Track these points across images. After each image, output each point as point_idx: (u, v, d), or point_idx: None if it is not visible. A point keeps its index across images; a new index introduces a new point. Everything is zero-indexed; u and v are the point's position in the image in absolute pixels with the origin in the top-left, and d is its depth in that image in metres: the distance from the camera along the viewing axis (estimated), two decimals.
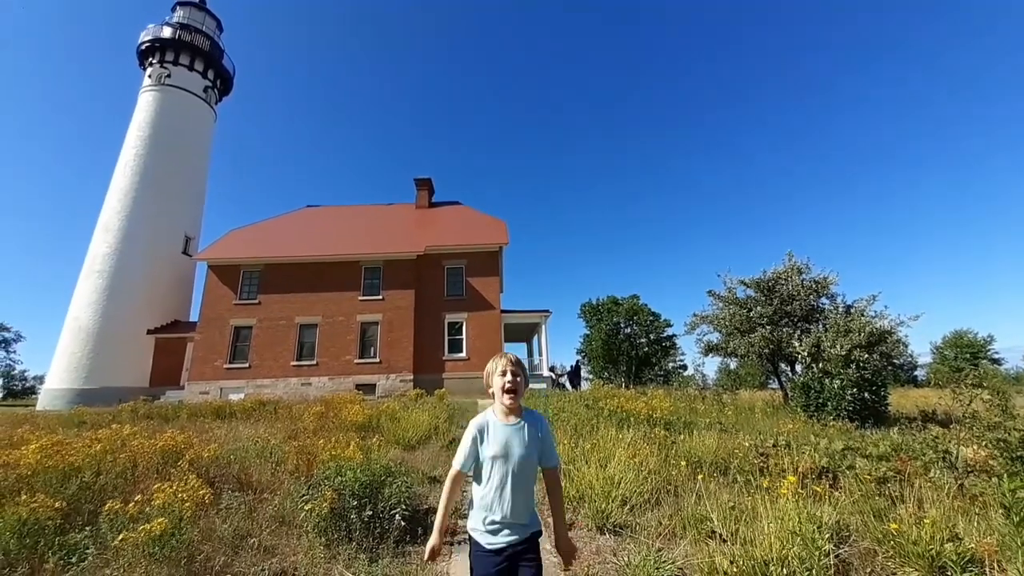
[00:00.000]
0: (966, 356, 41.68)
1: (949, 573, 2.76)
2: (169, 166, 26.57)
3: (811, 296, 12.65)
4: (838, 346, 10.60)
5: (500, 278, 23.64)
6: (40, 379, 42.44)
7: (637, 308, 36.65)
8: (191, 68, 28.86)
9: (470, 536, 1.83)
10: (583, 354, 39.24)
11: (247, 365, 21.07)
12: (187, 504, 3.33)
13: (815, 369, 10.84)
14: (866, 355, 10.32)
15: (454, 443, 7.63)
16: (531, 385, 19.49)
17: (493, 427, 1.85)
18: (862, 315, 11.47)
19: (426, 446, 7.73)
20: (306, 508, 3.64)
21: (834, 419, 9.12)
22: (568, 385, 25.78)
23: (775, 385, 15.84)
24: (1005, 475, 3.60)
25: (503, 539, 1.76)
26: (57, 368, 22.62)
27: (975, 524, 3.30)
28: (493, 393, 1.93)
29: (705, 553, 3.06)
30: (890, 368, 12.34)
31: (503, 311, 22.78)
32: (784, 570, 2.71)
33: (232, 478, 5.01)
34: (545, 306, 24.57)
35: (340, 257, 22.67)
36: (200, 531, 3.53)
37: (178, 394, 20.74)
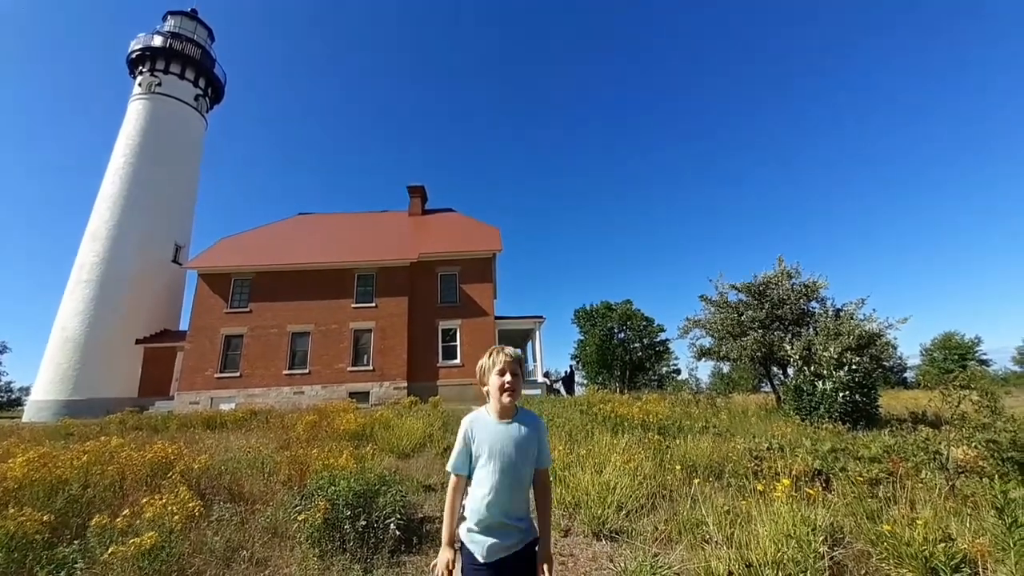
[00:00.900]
0: (955, 358, 42.28)
1: (942, 574, 2.78)
2: (159, 174, 26.38)
3: (801, 300, 12.77)
4: (830, 349, 10.69)
5: (494, 285, 23.65)
6: (26, 391, 41.64)
7: (631, 313, 36.77)
8: (182, 77, 28.77)
9: (463, 546, 1.71)
10: (577, 360, 39.26)
11: (238, 374, 20.82)
12: (177, 517, 3.28)
13: (807, 372, 10.92)
14: (856, 358, 10.41)
15: (448, 451, 7.56)
16: (526, 391, 19.47)
17: (486, 425, 1.76)
18: (852, 318, 11.59)
19: (421, 454, 7.68)
20: (299, 519, 3.60)
21: (826, 421, 9.17)
22: (563, 391, 25.76)
23: (768, 388, 15.94)
24: (996, 476, 3.65)
25: (496, 552, 1.66)
26: (43, 379, 22.22)
27: (967, 525, 3.33)
28: (487, 390, 1.81)
29: (701, 557, 3.06)
30: (880, 370, 12.45)
31: (497, 318, 22.76)
32: (779, 573, 2.72)
33: (223, 489, 4.94)
34: (539, 312, 24.52)
35: (333, 264, 22.54)
36: (191, 544, 3.48)
37: (167, 404, 20.43)
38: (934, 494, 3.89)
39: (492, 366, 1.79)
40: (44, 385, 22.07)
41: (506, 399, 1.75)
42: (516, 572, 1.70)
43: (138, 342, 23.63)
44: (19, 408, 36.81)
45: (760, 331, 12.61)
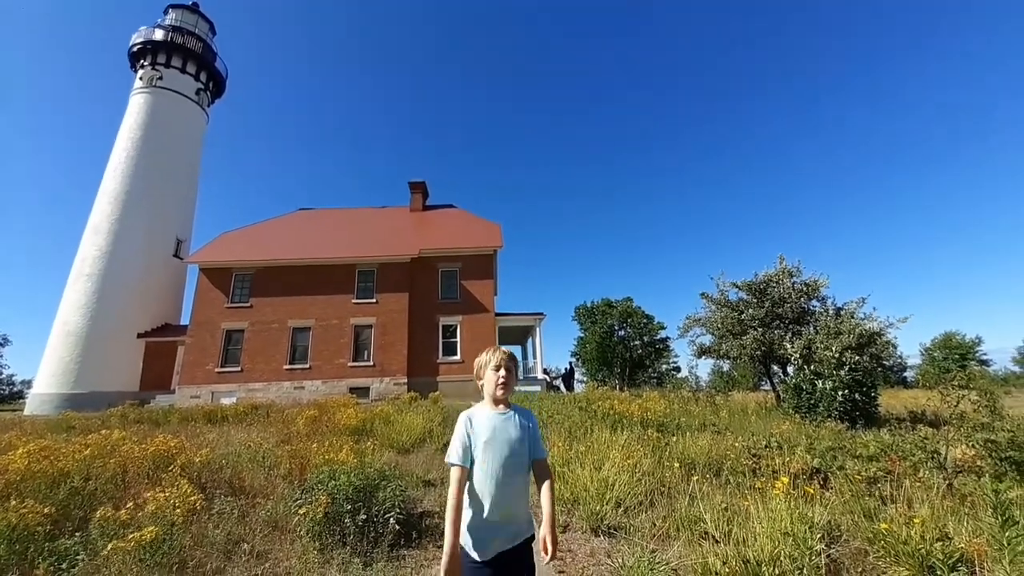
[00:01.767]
0: (955, 357, 42.27)
1: (939, 572, 2.79)
2: (160, 168, 26.35)
3: (802, 299, 12.77)
4: (830, 348, 10.69)
5: (494, 281, 23.64)
6: (28, 384, 41.71)
7: (631, 311, 36.78)
8: (183, 70, 28.68)
9: (460, 546, 1.67)
10: (577, 356, 39.32)
11: (239, 369, 20.88)
12: (179, 510, 3.30)
13: (807, 371, 10.92)
14: (856, 357, 10.41)
15: (448, 446, 7.61)
16: (525, 388, 19.50)
17: (482, 415, 1.84)
18: (852, 317, 11.59)
19: (420, 449, 7.71)
20: (300, 512, 3.62)
21: (825, 420, 9.19)
22: (562, 387, 25.82)
23: (767, 387, 15.94)
24: (989, 475, 3.66)
25: (494, 548, 1.68)
26: (45, 372, 22.30)
27: (965, 524, 3.34)
28: (483, 385, 1.93)
29: (699, 554, 3.08)
30: (880, 369, 12.45)
31: (497, 314, 22.78)
32: (776, 570, 2.73)
33: (224, 483, 4.96)
34: (539, 309, 24.53)
35: (334, 260, 22.54)
36: (192, 537, 3.50)
37: (169, 398, 20.51)
38: (932, 493, 3.90)
39: (488, 362, 1.93)
40: (46, 378, 22.15)
41: (499, 393, 1.87)
42: (514, 568, 1.72)
43: (139, 336, 23.69)
44: (21, 401, 36.98)
45: (760, 329, 12.61)
